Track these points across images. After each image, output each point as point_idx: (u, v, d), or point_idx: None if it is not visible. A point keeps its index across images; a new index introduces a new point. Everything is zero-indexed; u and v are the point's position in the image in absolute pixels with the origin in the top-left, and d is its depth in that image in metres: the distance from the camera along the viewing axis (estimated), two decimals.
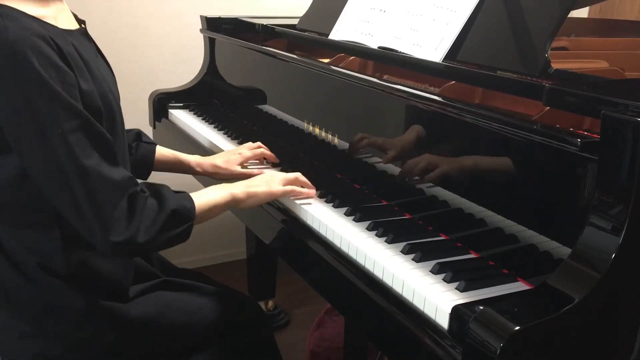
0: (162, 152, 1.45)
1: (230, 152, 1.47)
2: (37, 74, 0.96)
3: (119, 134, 1.15)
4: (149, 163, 1.42)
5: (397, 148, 1.24)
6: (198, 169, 1.45)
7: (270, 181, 1.25)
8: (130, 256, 1.18)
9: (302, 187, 1.28)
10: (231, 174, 1.43)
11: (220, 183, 1.25)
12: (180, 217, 1.08)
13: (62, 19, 1.10)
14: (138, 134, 1.44)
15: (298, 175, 1.29)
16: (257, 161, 1.50)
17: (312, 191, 1.28)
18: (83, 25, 1.17)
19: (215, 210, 1.17)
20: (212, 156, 1.47)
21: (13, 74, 0.96)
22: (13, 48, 0.95)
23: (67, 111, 0.98)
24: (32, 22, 1.01)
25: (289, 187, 1.26)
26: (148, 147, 1.43)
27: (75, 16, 1.17)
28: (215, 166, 1.43)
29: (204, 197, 1.15)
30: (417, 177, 1.19)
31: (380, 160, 1.28)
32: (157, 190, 1.09)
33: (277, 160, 1.48)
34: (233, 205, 1.20)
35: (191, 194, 1.14)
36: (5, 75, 0.96)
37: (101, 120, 1.06)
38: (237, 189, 1.21)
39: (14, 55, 0.95)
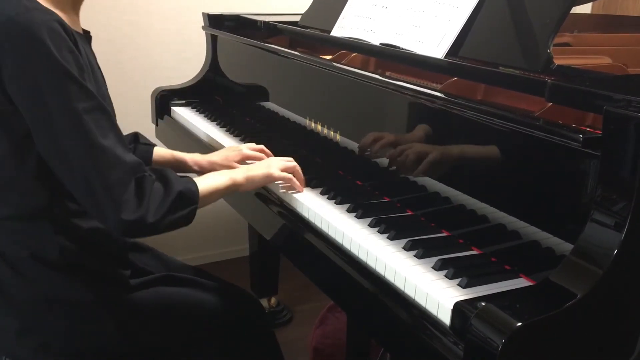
0: (160, 152, 1.46)
1: (229, 149, 1.47)
2: (50, 54, 0.98)
3: None
4: (147, 164, 1.42)
5: (399, 144, 1.23)
6: (195, 167, 1.45)
7: (269, 165, 1.28)
8: (138, 236, 1.19)
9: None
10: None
11: None
12: (186, 199, 1.11)
13: (75, 25, 1.13)
14: (135, 136, 1.45)
15: (297, 166, 1.32)
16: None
17: (301, 187, 1.31)
18: (89, 35, 1.21)
19: (216, 195, 1.19)
20: (210, 154, 1.48)
21: (26, 54, 0.98)
22: (26, 27, 0.98)
23: (82, 92, 1.01)
24: (52, 12, 1.03)
25: (287, 174, 1.28)
26: (145, 148, 1.44)
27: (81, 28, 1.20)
28: (213, 163, 1.44)
29: (206, 182, 1.18)
30: (419, 174, 1.19)
31: (382, 157, 1.28)
32: (163, 174, 1.12)
33: None
34: (233, 189, 1.23)
35: (194, 179, 1.17)
36: (26, 57, 0.98)
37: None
38: (237, 173, 1.24)
39: (27, 34, 0.97)
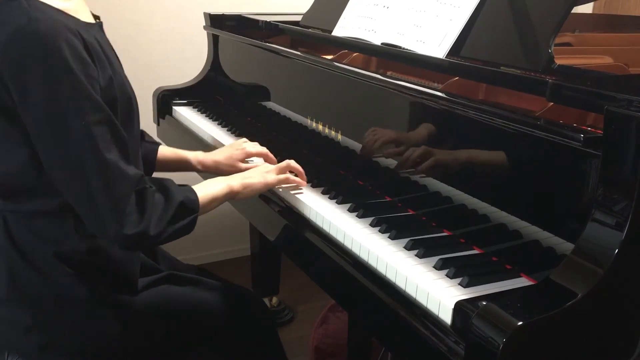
0: (164, 151, 1.46)
1: (232, 147, 1.46)
2: (67, 65, 0.97)
3: (135, 127, 1.17)
4: (151, 163, 1.43)
5: (400, 144, 1.24)
6: (199, 166, 1.45)
7: (265, 171, 1.28)
8: (140, 249, 1.20)
9: (295, 175, 1.31)
10: (233, 171, 1.43)
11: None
12: (187, 209, 1.11)
13: (83, 13, 1.11)
14: (141, 134, 1.44)
15: (290, 162, 1.32)
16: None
17: (303, 181, 1.32)
18: (99, 20, 1.19)
19: (214, 203, 1.20)
20: (213, 152, 1.47)
21: (43, 65, 0.97)
22: (44, 39, 0.96)
23: (92, 104, 1.00)
24: (59, 14, 1.02)
25: (283, 176, 1.29)
26: (150, 147, 1.43)
27: (90, 12, 1.18)
28: (217, 162, 1.44)
29: (204, 190, 1.18)
30: (420, 173, 1.19)
31: (383, 156, 1.28)
32: (163, 185, 1.11)
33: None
34: (231, 196, 1.23)
35: (192, 187, 1.16)
36: (35, 66, 0.97)
37: (117, 110, 1.08)
38: (234, 181, 1.24)
39: (45, 47, 0.96)
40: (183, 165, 1.46)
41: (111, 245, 1.13)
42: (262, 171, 1.29)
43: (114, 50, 1.20)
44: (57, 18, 1.00)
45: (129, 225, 1.02)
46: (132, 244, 1.06)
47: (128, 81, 1.17)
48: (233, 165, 1.42)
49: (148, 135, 1.46)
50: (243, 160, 1.43)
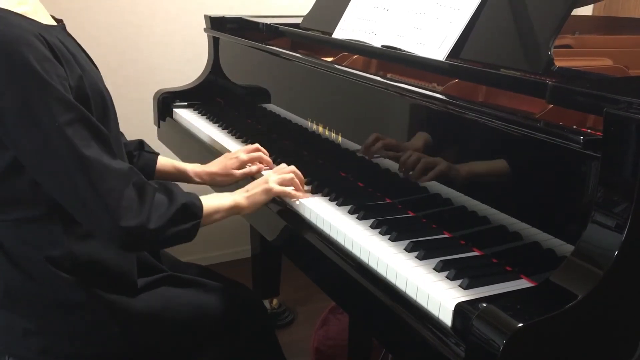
0: (162, 162, 1.45)
1: (226, 157, 1.45)
2: (31, 69, 0.96)
3: (111, 125, 1.15)
4: (150, 173, 1.43)
5: (400, 146, 1.24)
6: (197, 178, 1.45)
7: (267, 184, 1.26)
8: (138, 247, 1.16)
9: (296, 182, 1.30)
10: (230, 180, 1.43)
11: (221, 191, 1.27)
12: (190, 211, 1.10)
13: (42, 15, 1.10)
14: (140, 143, 1.44)
15: (293, 170, 1.30)
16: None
17: (302, 194, 1.29)
18: (61, 23, 1.18)
19: (218, 214, 1.19)
20: (209, 164, 1.46)
21: (7, 73, 0.96)
22: (4, 46, 0.96)
23: (63, 104, 0.99)
24: (18, 18, 1.01)
25: (286, 190, 1.27)
26: (149, 157, 1.43)
27: (52, 16, 1.18)
28: (213, 174, 1.43)
29: (209, 200, 1.17)
30: (420, 175, 1.19)
31: (383, 158, 1.28)
32: (167, 186, 1.11)
33: (273, 166, 1.45)
34: (235, 211, 1.23)
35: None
36: (12, 77, 0.96)
37: (90, 108, 1.06)
38: (239, 196, 1.23)
39: (8, 53, 0.96)
40: (181, 177, 1.46)
41: (109, 244, 1.11)
42: (264, 181, 1.27)
43: (83, 50, 1.19)
44: (16, 23, 0.99)
45: (125, 218, 1.01)
46: (130, 238, 1.03)
47: (101, 80, 1.16)
48: (228, 175, 1.42)
49: (147, 145, 1.46)
50: (238, 168, 1.43)
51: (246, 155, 1.44)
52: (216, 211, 1.18)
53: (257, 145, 1.47)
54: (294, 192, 1.28)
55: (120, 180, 1.02)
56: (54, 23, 1.14)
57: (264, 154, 1.46)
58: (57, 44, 1.05)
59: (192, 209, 1.11)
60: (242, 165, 1.43)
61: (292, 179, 1.28)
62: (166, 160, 1.47)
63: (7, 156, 1.04)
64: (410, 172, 1.21)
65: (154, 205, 1.04)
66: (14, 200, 1.08)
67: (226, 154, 1.49)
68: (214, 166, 1.44)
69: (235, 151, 1.47)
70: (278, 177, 1.28)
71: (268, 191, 1.25)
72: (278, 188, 1.26)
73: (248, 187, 1.27)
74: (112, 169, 1.02)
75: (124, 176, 1.03)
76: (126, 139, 1.43)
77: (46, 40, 1.01)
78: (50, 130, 0.98)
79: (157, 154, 1.46)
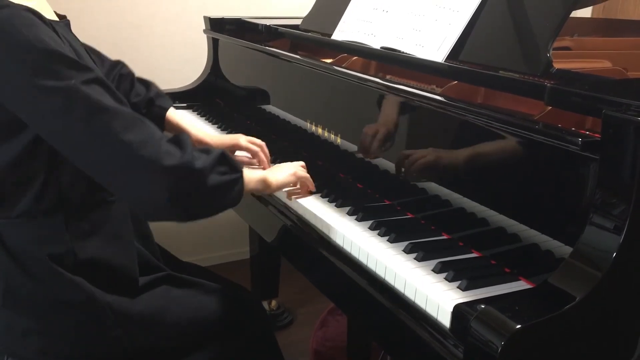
0: (172, 115, 1.48)
1: (228, 135, 1.46)
2: (31, 41, 0.94)
3: None
4: (161, 120, 1.46)
5: (399, 147, 1.24)
6: (195, 144, 1.43)
7: (292, 167, 1.26)
8: (188, 193, 1.00)
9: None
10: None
11: None
12: (230, 162, 1.06)
13: (47, 11, 1.11)
14: (151, 100, 1.47)
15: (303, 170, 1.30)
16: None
17: (309, 194, 1.30)
18: (65, 19, 1.17)
19: (250, 184, 1.14)
20: (210, 135, 1.46)
21: (12, 52, 0.95)
22: (7, 25, 0.95)
23: (74, 67, 0.97)
24: (25, 8, 1.01)
25: (306, 175, 1.27)
26: (158, 112, 1.46)
27: (55, 12, 1.18)
28: (206, 143, 1.42)
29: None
30: (419, 177, 1.19)
31: (382, 159, 1.28)
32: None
33: (267, 166, 1.43)
34: (262, 185, 1.19)
35: None
36: (8, 54, 0.95)
37: None
38: (267, 172, 1.22)
39: (7, 32, 0.95)
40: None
41: (153, 202, 0.99)
42: (292, 166, 1.27)
43: (85, 49, 1.19)
44: (23, 8, 0.98)
45: (167, 158, 0.94)
46: (178, 182, 0.95)
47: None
48: (218, 143, 1.42)
49: (161, 98, 1.49)
50: (232, 151, 1.42)
51: (245, 142, 1.42)
52: (250, 180, 1.13)
53: (263, 143, 1.44)
54: (310, 185, 1.28)
55: (153, 127, 0.99)
56: (57, 20, 1.14)
57: (263, 154, 1.45)
58: (62, 37, 1.05)
59: (231, 160, 1.06)
60: (237, 148, 1.42)
61: (309, 179, 1.29)
62: (173, 118, 1.48)
63: (6, 152, 1.03)
64: (409, 174, 1.21)
65: (195, 151, 1.00)
66: (14, 197, 1.08)
67: (229, 135, 1.48)
68: (212, 138, 1.44)
69: (238, 135, 1.45)
70: (303, 171, 1.28)
71: (294, 174, 1.25)
72: (302, 172, 1.26)
73: (273, 167, 1.27)
74: (140, 118, 0.98)
75: (154, 126, 1.00)
76: None
77: (54, 28, 1.02)
78: (66, 94, 0.94)
79: (167, 108, 1.48)
